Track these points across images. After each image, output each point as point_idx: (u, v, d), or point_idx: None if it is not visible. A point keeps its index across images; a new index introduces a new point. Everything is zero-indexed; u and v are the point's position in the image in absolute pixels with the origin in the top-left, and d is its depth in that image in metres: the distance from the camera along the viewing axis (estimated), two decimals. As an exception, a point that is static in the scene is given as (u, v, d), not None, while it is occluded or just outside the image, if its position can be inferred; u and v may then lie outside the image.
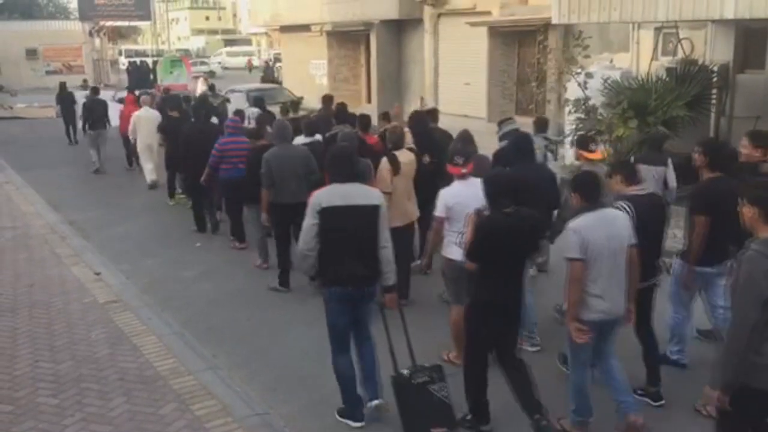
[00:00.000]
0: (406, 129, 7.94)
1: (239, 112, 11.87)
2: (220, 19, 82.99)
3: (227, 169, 9.08)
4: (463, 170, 5.59)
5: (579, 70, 11.86)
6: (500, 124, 8.17)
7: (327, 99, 12.01)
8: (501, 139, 7.78)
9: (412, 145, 7.66)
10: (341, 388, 5.12)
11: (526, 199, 4.95)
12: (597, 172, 5.55)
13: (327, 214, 4.76)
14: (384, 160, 6.97)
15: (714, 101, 11.81)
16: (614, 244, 4.56)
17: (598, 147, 7.25)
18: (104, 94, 18.14)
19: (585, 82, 11.70)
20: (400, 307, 5.30)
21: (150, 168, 13.21)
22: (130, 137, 13.42)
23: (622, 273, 4.63)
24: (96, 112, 15.40)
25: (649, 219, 5.03)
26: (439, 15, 20.02)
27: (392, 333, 5.04)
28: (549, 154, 8.42)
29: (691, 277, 5.52)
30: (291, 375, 5.93)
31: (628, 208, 4.91)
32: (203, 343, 6.47)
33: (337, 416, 5.17)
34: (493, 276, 4.74)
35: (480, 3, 18.09)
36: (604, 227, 4.57)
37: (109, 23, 39.72)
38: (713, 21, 11.69)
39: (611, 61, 13.97)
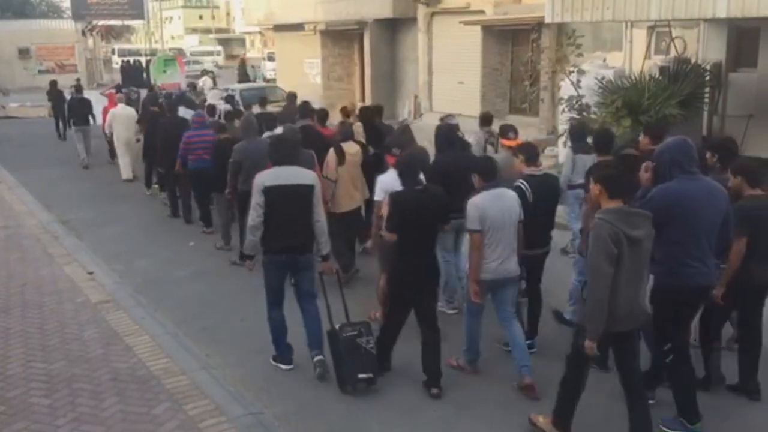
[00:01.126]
0: (358, 123, 8.98)
1: (212, 108, 12.43)
2: (213, 18, 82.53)
3: (194, 159, 9.74)
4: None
5: (572, 69, 11.89)
6: (442, 119, 8.72)
7: (291, 96, 13.17)
8: None
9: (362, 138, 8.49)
10: (273, 337, 5.97)
11: (451, 182, 5.89)
12: (493, 158, 6.26)
13: (269, 192, 5.52)
14: (331, 151, 7.64)
15: (707, 100, 11.85)
16: (506, 217, 5.39)
17: (517, 136, 8.10)
18: (94, 93, 18.96)
19: (578, 81, 11.73)
20: (338, 273, 6.20)
21: (126, 162, 13.88)
22: (107, 132, 14.26)
23: (513, 242, 5.47)
24: (80, 109, 16.03)
25: (542, 196, 5.86)
26: (433, 14, 20.02)
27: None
28: (489, 147, 8.97)
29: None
30: (284, 375, 5.91)
31: (523, 186, 5.76)
32: (196, 343, 6.46)
33: (271, 361, 6.03)
34: (409, 245, 5.42)
35: (473, 2, 18.10)
36: (499, 203, 5.39)
37: (102, 22, 39.54)
38: (706, 20, 11.72)
39: (604, 60, 14.00)
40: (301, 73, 26.86)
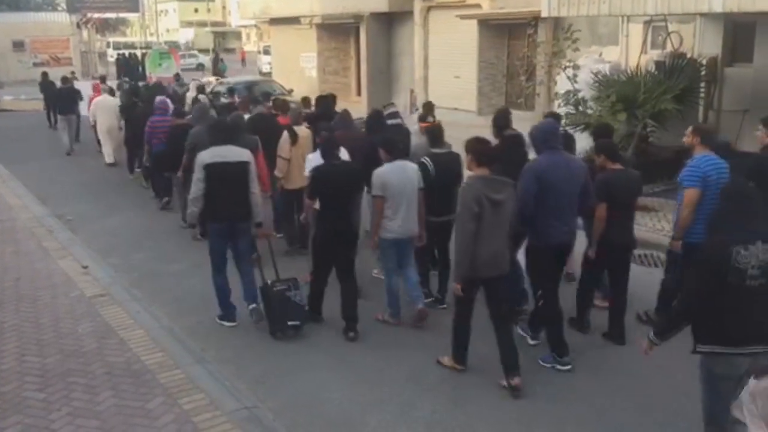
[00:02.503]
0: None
1: (180, 97, 13.68)
2: (209, 11, 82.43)
3: (156, 143, 10.76)
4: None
5: (568, 63, 11.88)
6: (384, 107, 9.43)
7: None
8: (387, 117, 9.05)
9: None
10: (218, 298, 6.75)
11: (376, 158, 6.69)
12: (394, 137, 7.12)
13: (209, 168, 6.35)
14: (284, 133, 8.38)
15: (702, 95, 11.85)
16: (407, 186, 6.38)
17: (435, 119, 9.01)
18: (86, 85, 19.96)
19: (574, 75, 11.71)
20: (268, 237, 7.18)
21: (109, 150, 14.72)
22: (91, 120, 15.16)
23: (414, 207, 6.44)
24: (66, 99, 16.84)
25: (444, 171, 6.73)
26: (429, 8, 19.99)
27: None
28: None
29: None
30: (280, 369, 5.91)
31: (426, 162, 6.72)
32: (191, 337, 6.45)
33: (217, 320, 6.77)
34: (328, 211, 6.42)
35: (470, -4, 18.09)
36: (399, 174, 6.39)
37: (96, 15, 39.29)
38: (702, 14, 11.73)
39: (600, 55, 14.00)
40: (297, 67, 26.81)
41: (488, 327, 6.14)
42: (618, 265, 6.26)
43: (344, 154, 7.08)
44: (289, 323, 6.44)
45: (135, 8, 41.41)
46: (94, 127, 15.02)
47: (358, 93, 23.99)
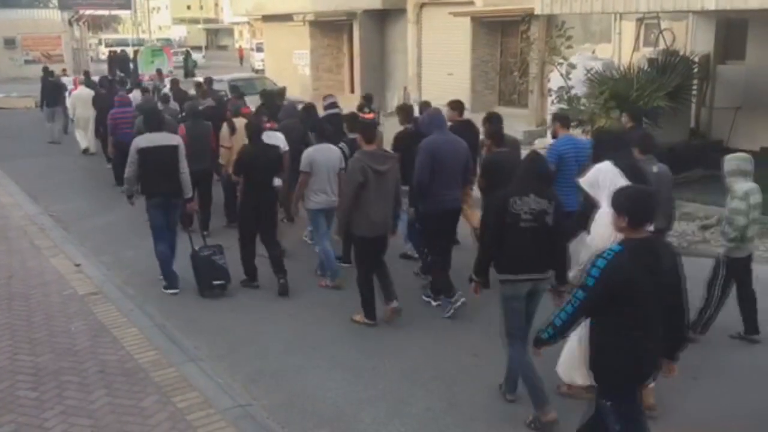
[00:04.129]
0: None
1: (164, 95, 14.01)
2: (201, 8, 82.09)
3: (118, 133, 11.46)
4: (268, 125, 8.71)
5: (561, 61, 11.89)
6: (324, 98, 10.69)
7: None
8: (325, 108, 10.31)
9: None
10: (161, 266, 7.56)
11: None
12: (322, 123, 8.52)
13: (143, 152, 7.27)
14: (224, 124, 9.30)
15: (695, 92, 11.89)
16: (329, 164, 7.51)
17: (373, 111, 10.06)
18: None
19: (568, 73, 11.73)
20: (195, 211, 8.42)
21: (82, 135, 15.88)
22: (70, 112, 16.48)
23: (335, 183, 7.51)
24: (51, 92, 18.11)
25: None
26: (422, 5, 19.96)
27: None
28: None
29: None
30: (273, 366, 5.91)
31: (343, 147, 7.84)
32: (185, 335, 6.44)
33: (162, 289, 7.53)
34: (249, 186, 7.45)
35: (463, -7, 18.07)
36: (325, 154, 7.54)
37: (88, 12, 39.09)
38: (694, 12, 11.76)
39: (593, 52, 14.02)
40: (290, 64, 26.73)
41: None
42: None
43: (276, 139, 8.30)
44: (215, 283, 7.43)
45: (127, 5, 41.27)
46: (73, 117, 16.29)
47: (352, 90, 23.93)
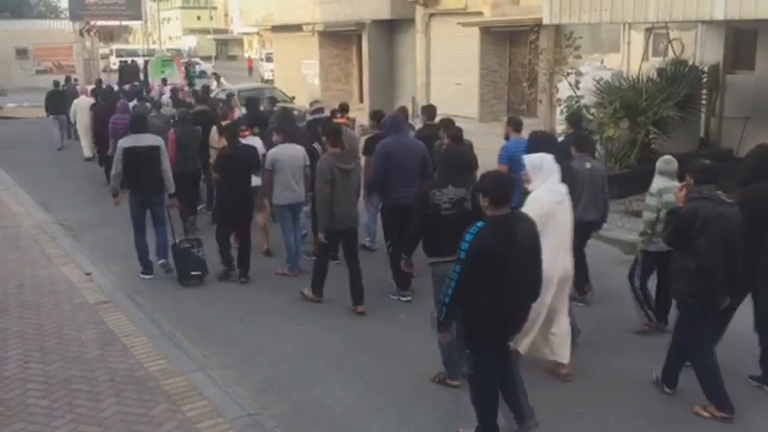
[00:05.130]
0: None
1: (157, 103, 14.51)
2: (211, 18, 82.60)
3: (117, 139, 11.10)
4: (246, 134, 9.13)
5: (570, 70, 11.90)
6: (311, 104, 11.56)
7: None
8: (311, 114, 10.81)
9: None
10: (138, 255, 8.30)
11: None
12: (287, 125, 9.10)
13: (127, 152, 8.01)
14: (213, 128, 10.00)
15: (704, 102, 11.88)
16: (294, 162, 8.09)
17: (345, 116, 10.34)
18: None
19: (577, 82, 11.73)
20: (180, 207, 9.13)
21: (86, 143, 16.28)
22: (71, 119, 17.27)
23: (301, 178, 8.15)
24: (56, 101, 18.84)
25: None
26: (431, 15, 20.03)
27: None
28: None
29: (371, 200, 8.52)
30: (282, 375, 5.92)
31: (316, 147, 8.29)
32: (194, 344, 6.46)
33: (139, 274, 8.29)
34: (226, 185, 8.17)
35: (471, 3, 18.13)
36: (288, 152, 8.14)
37: (99, 23, 39.36)
38: (703, 22, 11.75)
39: (602, 62, 14.02)
40: (299, 74, 26.86)
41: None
42: None
43: (254, 141, 8.96)
44: (192, 273, 8.05)
45: (138, 16, 41.48)
46: (74, 124, 17.04)
47: (360, 100, 24.02)
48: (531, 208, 5.18)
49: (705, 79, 11.80)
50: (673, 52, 12.62)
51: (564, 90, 12.24)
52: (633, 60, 13.70)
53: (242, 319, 7.14)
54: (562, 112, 12.00)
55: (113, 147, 11.77)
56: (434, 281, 5.55)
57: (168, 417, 5.08)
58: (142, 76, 27.99)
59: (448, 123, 8.34)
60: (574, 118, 8.38)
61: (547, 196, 5.34)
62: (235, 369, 6.03)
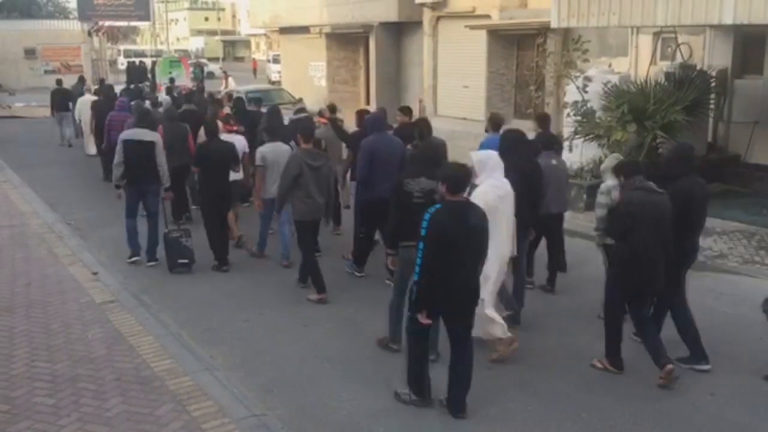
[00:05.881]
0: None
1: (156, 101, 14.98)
2: (219, 20, 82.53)
3: (114, 135, 11.58)
4: (234, 128, 10.17)
5: (578, 74, 11.88)
6: (294, 104, 12.49)
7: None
8: (294, 113, 11.29)
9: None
10: (128, 238, 8.86)
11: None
12: (274, 126, 9.68)
13: (126, 144, 8.60)
14: (203, 127, 10.12)
15: (712, 106, 11.82)
16: (279, 159, 8.32)
17: (331, 116, 10.52)
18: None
19: (584, 86, 11.71)
20: (171, 199, 9.43)
21: (90, 140, 16.31)
22: (76, 117, 17.63)
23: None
24: (60, 98, 19.46)
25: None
26: (439, 18, 20.03)
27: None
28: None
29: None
30: (288, 376, 5.92)
31: (293, 145, 8.60)
32: (200, 344, 6.47)
33: (127, 260, 8.84)
34: (206, 178, 8.78)
35: (479, 6, 18.11)
36: (274, 150, 8.65)
37: (107, 23, 39.48)
38: (712, 26, 11.73)
39: (610, 66, 13.98)
40: (306, 76, 26.88)
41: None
42: None
43: (235, 141, 9.37)
44: (179, 261, 8.55)
45: (146, 17, 41.64)
46: (79, 121, 17.26)
47: (367, 102, 24.01)
48: (476, 200, 5.48)
49: (713, 84, 11.76)
50: (682, 56, 12.58)
51: (571, 94, 12.21)
52: (641, 64, 13.67)
53: (248, 320, 7.14)
54: (569, 115, 11.97)
55: (106, 141, 12.58)
56: (402, 263, 6.04)
57: (174, 417, 5.09)
58: (150, 77, 28.14)
59: (422, 123, 8.54)
60: (543, 118, 8.74)
61: (490, 190, 5.82)
62: (241, 369, 6.03)
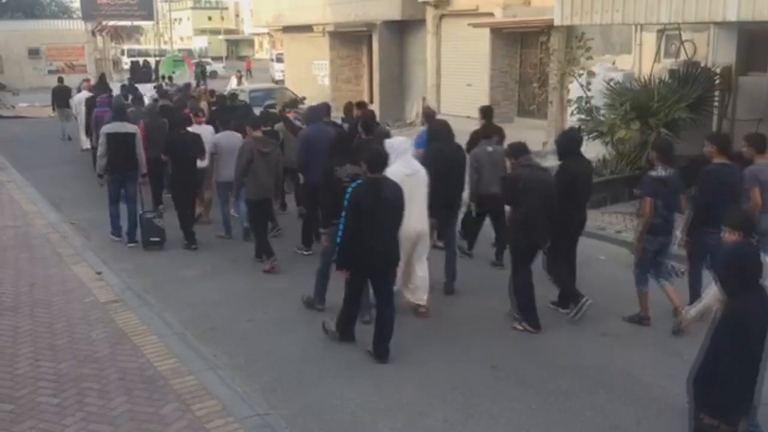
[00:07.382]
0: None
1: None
2: (222, 19, 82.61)
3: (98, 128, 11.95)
4: (201, 120, 11.00)
5: (581, 72, 11.85)
6: (267, 100, 13.84)
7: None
8: (265, 108, 12.54)
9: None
10: (111, 221, 9.79)
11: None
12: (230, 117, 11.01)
13: (108, 137, 9.40)
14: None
15: (716, 104, 11.80)
16: (232, 147, 9.15)
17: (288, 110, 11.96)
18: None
19: (588, 83, 11.69)
20: (146, 184, 10.29)
21: (84, 138, 16.61)
22: (74, 113, 18.20)
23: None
24: (61, 95, 20.49)
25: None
26: (442, 16, 20.01)
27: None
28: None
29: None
30: (292, 375, 5.93)
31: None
32: (204, 344, 6.48)
33: (110, 235, 9.84)
34: (176, 168, 9.64)
35: (482, 4, 18.09)
36: (228, 139, 9.57)
37: (111, 23, 39.53)
38: (716, 23, 11.68)
39: (614, 63, 13.96)
40: (309, 75, 26.89)
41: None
42: None
43: (204, 131, 10.28)
44: (151, 239, 9.46)
45: (150, 16, 41.70)
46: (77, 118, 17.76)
47: (371, 101, 24.00)
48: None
49: (717, 81, 11.72)
50: (685, 53, 12.55)
51: (575, 91, 12.20)
52: (645, 61, 13.62)
53: (252, 319, 7.15)
54: (572, 113, 11.96)
55: (95, 137, 12.89)
56: (330, 238, 6.65)
57: (178, 416, 5.10)
58: (153, 76, 28.18)
59: (366, 114, 9.58)
60: (485, 111, 9.45)
61: (399, 169, 6.54)
62: (245, 369, 6.04)
